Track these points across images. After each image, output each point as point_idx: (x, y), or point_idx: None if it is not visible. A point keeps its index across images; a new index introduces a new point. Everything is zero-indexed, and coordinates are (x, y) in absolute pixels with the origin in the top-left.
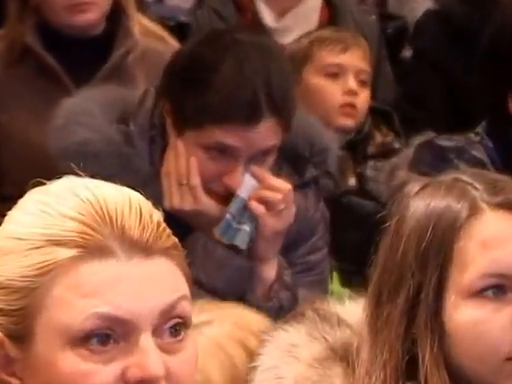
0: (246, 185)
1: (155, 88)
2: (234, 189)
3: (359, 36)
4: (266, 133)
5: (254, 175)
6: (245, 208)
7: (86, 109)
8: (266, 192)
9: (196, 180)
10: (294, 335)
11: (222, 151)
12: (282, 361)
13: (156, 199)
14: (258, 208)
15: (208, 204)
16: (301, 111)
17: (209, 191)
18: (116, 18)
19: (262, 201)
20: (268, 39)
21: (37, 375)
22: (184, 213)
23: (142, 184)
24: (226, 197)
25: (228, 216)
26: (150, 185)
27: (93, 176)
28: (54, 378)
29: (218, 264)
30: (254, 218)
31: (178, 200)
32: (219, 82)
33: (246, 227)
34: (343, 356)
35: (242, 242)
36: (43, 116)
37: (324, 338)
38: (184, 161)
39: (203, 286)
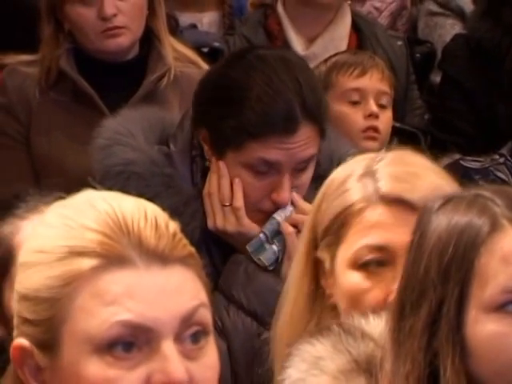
0: (283, 209)
1: (192, 116)
2: (283, 204)
3: (377, 57)
4: (305, 141)
5: (292, 201)
6: (279, 231)
7: (128, 130)
8: (298, 216)
9: (240, 202)
10: (319, 348)
11: (266, 168)
12: (308, 373)
13: (197, 218)
14: (287, 228)
15: (250, 225)
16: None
17: (259, 210)
18: (149, 43)
19: (293, 223)
20: (288, 51)
21: (64, 382)
22: (227, 234)
23: (183, 204)
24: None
25: (261, 235)
26: (191, 204)
27: (137, 196)
28: None
29: (259, 289)
30: (284, 241)
31: (221, 221)
32: (251, 100)
33: (275, 247)
34: (366, 368)
35: (269, 261)
36: (79, 139)
37: (348, 351)
38: (227, 182)
39: (244, 309)
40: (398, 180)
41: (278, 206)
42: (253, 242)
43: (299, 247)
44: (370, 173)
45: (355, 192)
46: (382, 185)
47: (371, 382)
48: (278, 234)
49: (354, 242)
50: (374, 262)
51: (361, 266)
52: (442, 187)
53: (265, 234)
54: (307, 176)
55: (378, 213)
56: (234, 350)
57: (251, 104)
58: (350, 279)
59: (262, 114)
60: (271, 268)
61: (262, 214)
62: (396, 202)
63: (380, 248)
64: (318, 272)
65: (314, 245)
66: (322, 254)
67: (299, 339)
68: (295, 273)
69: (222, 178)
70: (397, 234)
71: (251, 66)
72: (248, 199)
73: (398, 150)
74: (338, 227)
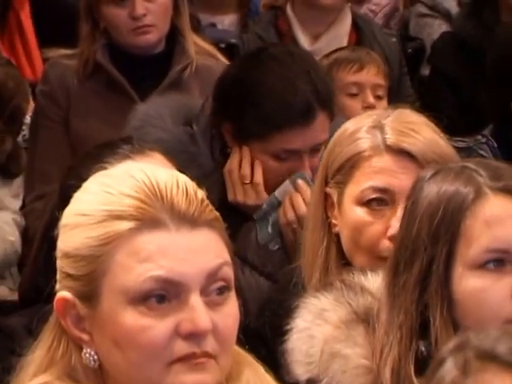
0: (283, 187)
1: (212, 109)
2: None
3: (373, 53)
4: (320, 127)
5: (295, 184)
6: (278, 205)
7: (157, 113)
8: (299, 200)
9: (259, 178)
10: (323, 301)
11: (286, 154)
12: (313, 323)
13: (215, 189)
14: (283, 219)
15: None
16: None
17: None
18: (174, 38)
19: (292, 205)
20: (295, 47)
21: (103, 330)
22: (246, 206)
23: (203, 177)
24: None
25: (264, 205)
26: (210, 177)
27: None
28: (117, 332)
29: (268, 252)
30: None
31: (241, 195)
32: (274, 96)
33: (270, 218)
34: (365, 319)
35: (263, 240)
36: (112, 122)
37: (349, 303)
38: (248, 163)
39: (257, 269)
40: (401, 134)
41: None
42: (257, 211)
43: (316, 183)
44: (378, 126)
45: (365, 141)
46: (388, 137)
47: (369, 330)
48: (275, 208)
49: (361, 183)
50: (377, 201)
51: (365, 203)
52: (437, 141)
53: (266, 204)
54: (319, 156)
55: (383, 160)
56: (247, 307)
57: (272, 99)
58: (355, 213)
59: (282, 108)
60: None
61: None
62: (399, 153)
63: (382, 190)
64: (326, 204)
65: (325, 182)
66: (331, 190)
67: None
68: (312, 205)
69: (244, 159)
70: (397, 179)
71: (266, 64)
72: (268, 182)
73: (402, 109)
74: (348, 169)
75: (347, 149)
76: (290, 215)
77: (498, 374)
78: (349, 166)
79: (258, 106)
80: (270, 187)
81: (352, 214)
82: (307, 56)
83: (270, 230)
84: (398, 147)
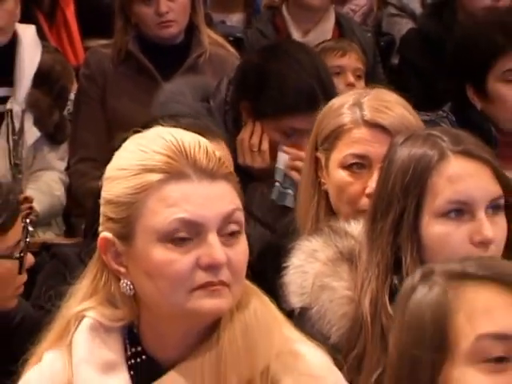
0: (281, 159)
1: (233, 90)
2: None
3: (353, 43)
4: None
5: (286, 152)
6: (286, 176)
7: (180, 91)
8: (298, 162)
9: (266, 147)
10: (314, 244)
11: (292, 132)
12: (306, 261)
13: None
14: (295, 175)
15: (271, 163)
16: None
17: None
18: (191, 31)
19: (297, 169)
20: (304, 45)
21: (137, 264)
22: (253, 168)
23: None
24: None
25: (276, 184)
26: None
27: None
28: (148, 265)
29: (269, 206)
30: (294, 183)
31: (249, 160)
32: (287, 85)
33: (290, 191)
34: (348, 258)
35: (290, 203)
36: (141, 100)
37: (335, 245)
38: (258, 135)
39: (259, 221)
40: (376, 110)
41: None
42: (273, 192)
43: (307, 148)
44: (357, 104)
45: (347, 116)
46: (365, 113)
47: (352, 267)
48: (286, 178)
49: (343, 151)
50: (356, 165)
51: (346, 167)
52: (407, 116)
53: (278, 181)
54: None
55: (361, 132)
56: (252, 250)
57: (286, 90)
58: (339, 175)
59: (294, 95)
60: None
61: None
62: (374, 126)
63: (361, 156)
64: (316, 166)
65: (315, 147)
66: (320, 155)
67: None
68: (304, 168)
69: (256, 132)
70: (373, 147)
71: (282, 57)
72: (274, 153)
73: (378, 88)
74: (333, 139)
75: (333, 121)
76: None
77: (478, 290)
78: (333, 137)
79: (274, 91)
80: (273, 155)
81: (336, 175)
82: (314, 53)
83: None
84: (374, 122)
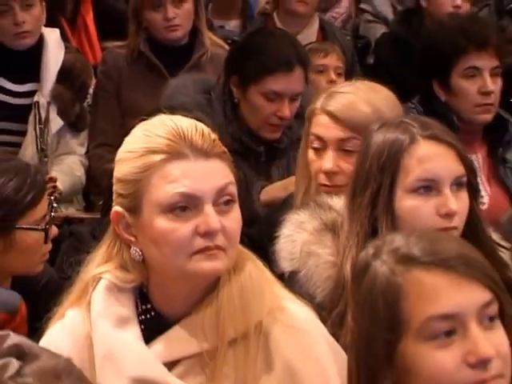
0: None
1: (224, 71)
2: (285, 118)
3: (334, 46)
4: (298, 79)
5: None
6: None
7: (184, 84)
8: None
9: None
10: (302, 216)
11: (274, 96)
12: (295, 231)
13: (224, 138)
14: None
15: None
16: None
17: (270, 124)
18: (195, 34)
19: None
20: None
21: (144, 233)
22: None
23: (217, 128)
24: (279, 126)
25: None
26: (222, 129)
27: None
28: (154, 234)
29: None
30: None
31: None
32: (267, 51)
33: None
34: (332, 228)
35: None
36: (151, 94)
37: (320, 217)
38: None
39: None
40: (329, 99)
41: (281, 118)
42: None
43: (304, 130)
44: (329, 95)
45: (318, 103)
46: (331, 104)
47: (334, 237)
48: None
49: (310, 132)
50: (316, 146)
51: (311, 148)
52: (358, 109)
53: None
54: (296, 105)
55: (322, 118)
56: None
57: (267, 53)
58: (308, 154)
59: (273, 59)
60: None
61: (272, 127)
62: (328, 114)
63: (319, 138)
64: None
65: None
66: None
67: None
68: (300, 149)
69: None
70: (328, 132)
71: (265, 35)
72: (261, 117)
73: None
74: (307, 120)
75: (310, 107)
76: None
77: (424, 275)
78: (308, 119)
79: (256, 59)
80: (261, 122)
81: (308, 153)
82: (291, 34)
83: None
84: (327, 111)
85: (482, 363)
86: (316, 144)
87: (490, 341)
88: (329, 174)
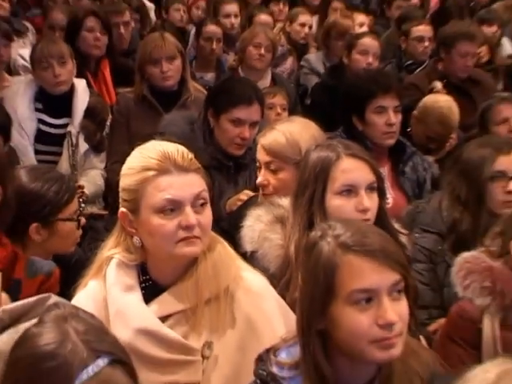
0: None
1: (203, 108)
2: (246, 139)
3: (282, 90)
4: (256, 111)
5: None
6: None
7: (174, 118)
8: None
9: None
10: (259, 212)
11: (238, 123)
12: (254, 223)
13: (203, 158)
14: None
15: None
16: None
17: (235, 143)
18: (182, 83)
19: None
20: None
21: (142, 227)
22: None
23: (198, 151)
24: (242, 145)
25: None
26: (201, 152)
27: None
28: (149, 228)
29: None
30: None
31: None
32: (234, 90)
33: None
34: (281, 221)
35: None
36: (151, 125)
37: (273, 213)
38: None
39: None
40: (266, 136)
41: (243, 139)
42: None
43: None
44: (266, 130)
45: (258, 136)
46: (263, 138)
47: (283, 227)
48: None
49: None
50: (258, 167)
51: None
52: (294, 139)
53: None
54: (255, 131)
55: (259, 147)
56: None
57: (234, 93)
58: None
59: (239, 97)
60: None
61: (237, 145)
62: (261, 144)
63: (258, 161)
64: None
65: None
66: None
67: None
68: None
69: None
70: (261, 157)
71: (232, 81)
72: (229, 138)
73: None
74: None
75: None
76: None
77: (354, 258)
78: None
79: (226, 96)
80: (228, 142)
81: None
82: (253, 82)
83: None
84: (260, 142)
85: (388, 325)
86: (258, 164)
87: (395, 309)
88: (260, 186)
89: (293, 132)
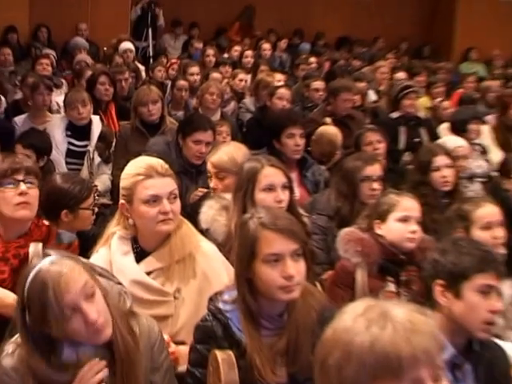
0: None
1: (176, 134)
2: (203, 153)
3: (227, 122)
4: (210, 135)
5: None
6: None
7: (157, 141)
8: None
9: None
10: (212, 202)
11: (198, 143)
12: (207, 209)
13: (176, 166)
14: None
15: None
16: None
17: (195, 155)
18: (162, 117)
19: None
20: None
21: (134, 213)
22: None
23: (172, 162)
24: (200, 157)
25: None
26: (174, 162)
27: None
28: (138, 213)
29: None
30: None
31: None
32: (194, 121)
33: None
34: (226, 208)
35: None
36: (141, 146)
37: (220, 203)
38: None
39: None
40: (213, 154)
41: (201, 153)
42: None
43: None
44: (213, 149)
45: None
46: (210, 154)
47: (227, 212)
48: None
49: None
50: (209, 176)
51: None
52: (232, 156)
53: None
54: (209, 149)
55: (208, 162)
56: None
57: (194, 122)
58: None
59: (197, 125)
60: None
61: (196, 157)
62: (208, 160)
63: (209, 171)
64: None
65: None
66: None
67: None
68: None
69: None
70: (210, 168)
71: (193, 116)
72: (191, 153)
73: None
74: None
75: None
76: None
77: (268, 233)
78: None
79: (189, 124)
80: (191, 155)
81: None
82: (208, 117)
83: None
84: (209, 158)
85: (290, 277)
86: (209, 174)
87: (295, 267)
88: (213, 188)
89: (231, 152)
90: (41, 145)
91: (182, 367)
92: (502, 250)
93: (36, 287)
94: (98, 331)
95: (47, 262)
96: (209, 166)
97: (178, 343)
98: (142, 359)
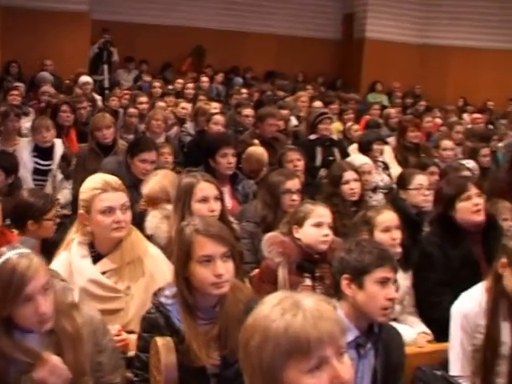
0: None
1: (125, 154)
2: (148, 170)
3: (169, 145)
4: (154, 155)
5: None
6: None
7: (110, 160)
8: None
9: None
10: (157, 213)
11: (144, 161)
12: (152, 218)
13: (126, 181)
14: None
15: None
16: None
17: (141, 173)
18: (115, 140)
19: None
20: None
21: (92, 222)
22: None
23: (123, 178)
24: (146, 173)
25: None
26: (124, 178)
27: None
28: (96, 222)
29: None
30: None
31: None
32: (141, 144)
33: None
34: (167, 217)
35: None
36: (96, 164)
37: (163, 213)
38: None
39: None
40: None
41: (147, 170)
42: None
43: None
44: (148, 179)
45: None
46: (146, 188)
47: (169, 220)
48: None
49: None
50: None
51: None
52: (163, 184)
53: None
54: (153, 166)
55: None
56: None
57: (141, 145)
58: None
59: (143, 146)
60: None
61: (143, 173)
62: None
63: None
64: None
65: None
66: None
67: None
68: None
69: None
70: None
71: (142, 139)
72: (138, 169)
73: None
74: None
75: None
76: None
77: (202, 238)
78: None
79: (136, 146)
80: (138, 171)
81: None
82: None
83: None
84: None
85: (220, 275)
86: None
87: (225, 266)
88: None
89: (160, 182)
90: (8, 165)
91: (132, 352)
92: (399, 249)
93: (4, 271)
94: (42, 321)
95: (17, 253)
96: (144, 198)
97: (128, 332)
98: (83, 343)
